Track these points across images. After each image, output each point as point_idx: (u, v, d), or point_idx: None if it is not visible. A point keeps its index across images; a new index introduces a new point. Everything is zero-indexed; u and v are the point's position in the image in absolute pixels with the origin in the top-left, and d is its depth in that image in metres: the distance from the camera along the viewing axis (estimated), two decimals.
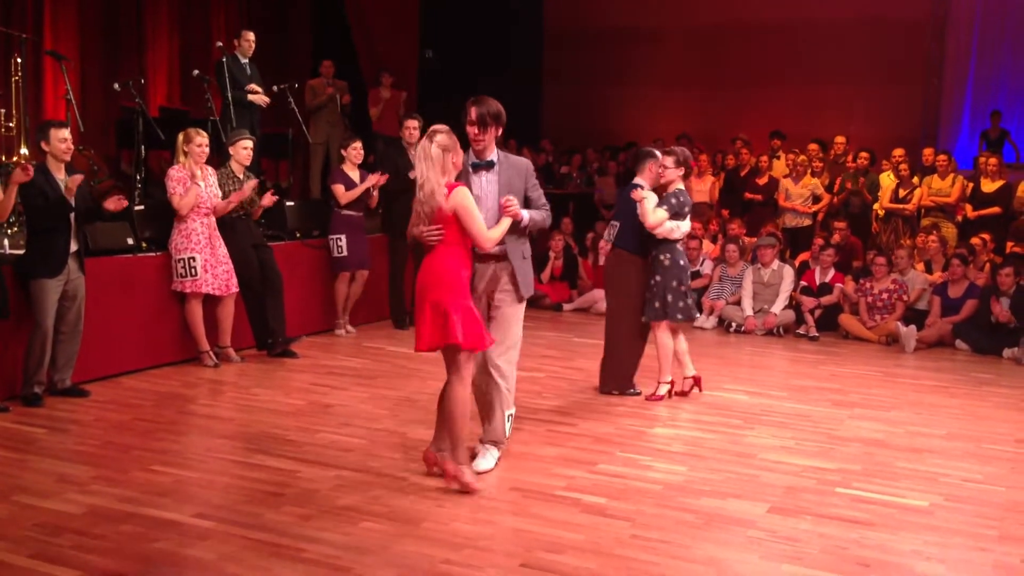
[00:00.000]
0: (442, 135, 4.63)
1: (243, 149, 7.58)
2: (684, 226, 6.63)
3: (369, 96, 12.71)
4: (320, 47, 13.70)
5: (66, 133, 6.15)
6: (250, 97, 9.14)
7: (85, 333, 6.38)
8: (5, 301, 5.98)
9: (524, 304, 5.10)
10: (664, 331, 6.67)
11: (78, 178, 6.12)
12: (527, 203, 5.03)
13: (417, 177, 4.68)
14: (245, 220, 7.59)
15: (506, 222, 4.83)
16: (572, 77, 14.84)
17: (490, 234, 4.74)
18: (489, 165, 4.94)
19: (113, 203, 6.34)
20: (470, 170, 4.91)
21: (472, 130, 4.88)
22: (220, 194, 7.34)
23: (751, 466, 5.26)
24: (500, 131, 4.96)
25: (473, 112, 4.85)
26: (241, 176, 7.56)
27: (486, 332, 4.75)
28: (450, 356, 4.71)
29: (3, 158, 7.96)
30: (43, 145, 6.13)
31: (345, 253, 8.62)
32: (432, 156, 4.60)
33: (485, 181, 4.93)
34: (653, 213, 6.43)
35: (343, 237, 8.60)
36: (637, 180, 6.69)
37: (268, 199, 7.74)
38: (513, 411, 5.22)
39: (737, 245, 10.22)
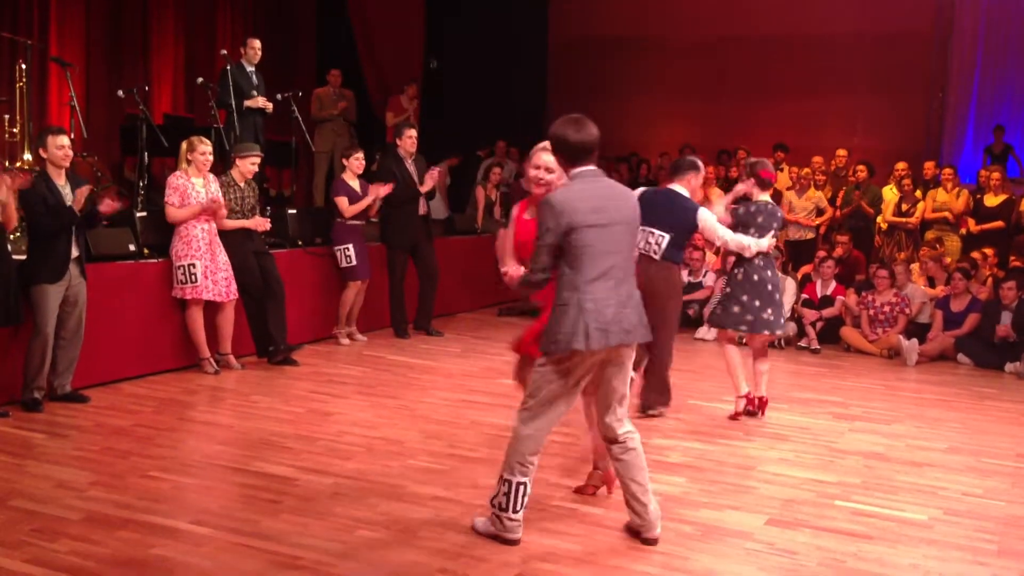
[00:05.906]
0: None
1: (251, 164, 7.58)
2: (758, 244, 6.47)
3: (390, 103, 12.74)
4: (325, 56, 13.75)
5: (64, 140, 6.14)
6: (247, 103, 9.13)
7: (86, 339, 6.37)
8: (18, 305, 5.99)
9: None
10: (726, 344, 6.75)
11: (84, 189, 6.13)
12: None
13: None
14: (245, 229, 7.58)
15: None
16: (576, 87, 14.84)
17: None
18: None
19: (105, 205, 6.28)
20: None
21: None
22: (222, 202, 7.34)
23: (750, 478, 5.25)
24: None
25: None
26: (242, 185, 7.57)
27: None
28: None
29: (7, 163, 8.01)
30: (41, 152, 6.15)
31: (355, 263, 8.58)
32: None
33: None
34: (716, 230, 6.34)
35: (351, 247, 8.57)
36: (677, 187, 6.37)
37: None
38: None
39: None
